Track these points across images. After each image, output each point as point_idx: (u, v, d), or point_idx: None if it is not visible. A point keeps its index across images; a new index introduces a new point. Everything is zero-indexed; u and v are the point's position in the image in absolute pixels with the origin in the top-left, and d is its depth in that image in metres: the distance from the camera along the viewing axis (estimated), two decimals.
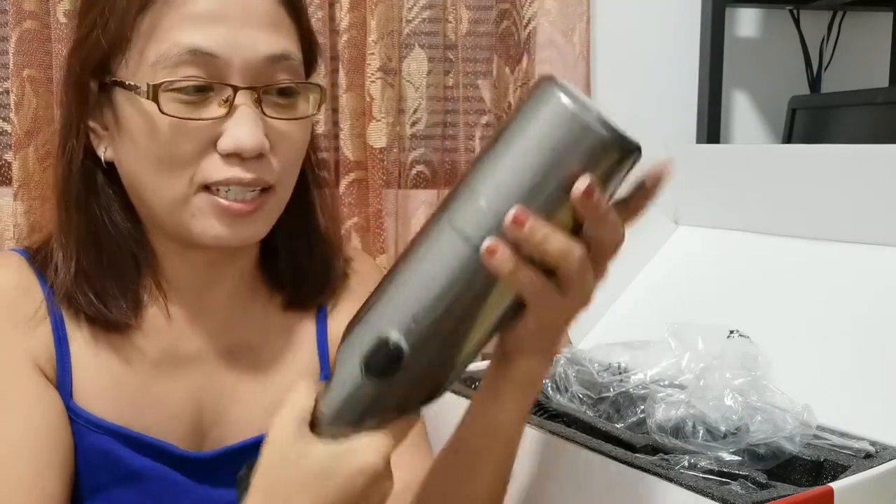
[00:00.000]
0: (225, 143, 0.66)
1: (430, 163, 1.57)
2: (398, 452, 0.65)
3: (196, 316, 0.75)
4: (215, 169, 0.66)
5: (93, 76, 0.69)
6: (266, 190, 0.69)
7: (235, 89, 0.66)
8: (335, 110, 1.51)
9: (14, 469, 0.66)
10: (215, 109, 0.66)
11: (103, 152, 0.71)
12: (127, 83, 0.67)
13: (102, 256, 0.71)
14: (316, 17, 1.48)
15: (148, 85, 0.66)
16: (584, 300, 0.56)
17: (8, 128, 1.44)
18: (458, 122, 1.56)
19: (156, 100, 0.65)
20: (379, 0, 1.46)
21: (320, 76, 1.46)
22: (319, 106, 0.72)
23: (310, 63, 0.74)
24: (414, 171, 1.56)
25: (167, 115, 0.65)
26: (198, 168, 0.66)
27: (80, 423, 0.70)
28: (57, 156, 0.73)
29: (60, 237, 0.72)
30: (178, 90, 0.65)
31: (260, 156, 0.67)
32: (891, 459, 0.69)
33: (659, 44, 1.66)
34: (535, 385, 0.62)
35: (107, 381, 0.71)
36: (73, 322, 0.71)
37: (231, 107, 0.66)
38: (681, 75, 1.65)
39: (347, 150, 1.50)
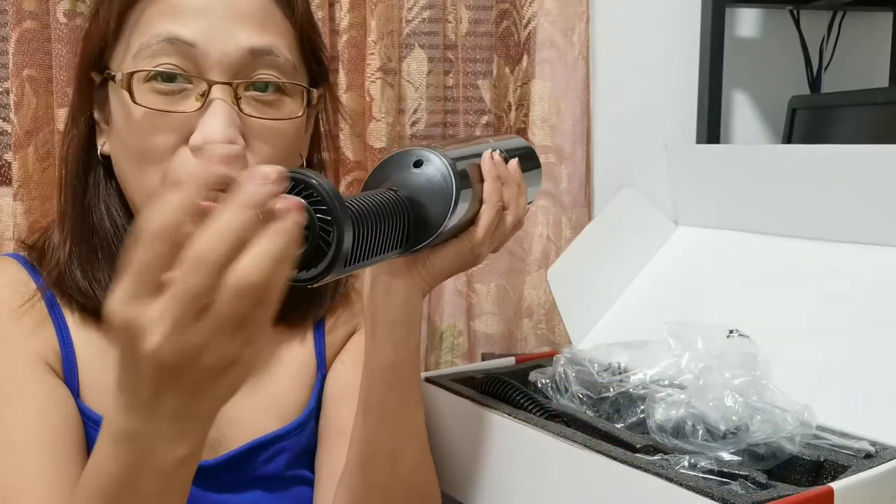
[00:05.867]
0: (195, 138, 0.65)
1: None
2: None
3: None
4: (184, 164, 0.65)
5: (94, 69, 0.70)
6: None
7: (210, 83, 0.65)
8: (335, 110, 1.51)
9: (34, 464, 0.66)
10: (191, 104, 0.65)
11: (101, 145, 0.72)
12: (111, 74, 0.68)
13: (95, 246, 0.72)
14: (316, 17, 1.48)
15: (123, 73, 0.66)
16: (489, 251, 0.71)
17: (8, 128, 1.44)
18: (458, 122, 1.56)
19: (129, 89, 0.65)
20: (379, 0, 1.46)
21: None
22: (307, 107, 0.71)
23: (310, 64, 0.73)
24: None
25: (140, 105, 0.65)
26: (170, 164, 0.66)
27: (87, 424, 0.71)
28: (63, 143, 0.74)
29: (59, 223, 0.73)
30: (154, 80, 0.65)
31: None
32: (891, 459, 0.69)
33: (659, 44, 1.66)
34: (412, 317, 0.67)
35: (109, 378, 0.71)
36: (73, 321, 0.72)
37: (206, 101, 0.65)
38: (681, 75, 1.65)
39: (347, 150, 1.50)
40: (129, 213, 0.73)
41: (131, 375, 0.46)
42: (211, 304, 0.43)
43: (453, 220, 0.65)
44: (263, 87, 0.68)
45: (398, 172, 0.66)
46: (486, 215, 0.69)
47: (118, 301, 0.43)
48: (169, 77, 0.65)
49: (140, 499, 0.50)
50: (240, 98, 0.66)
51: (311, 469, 0.80)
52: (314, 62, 0.74)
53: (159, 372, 0.44)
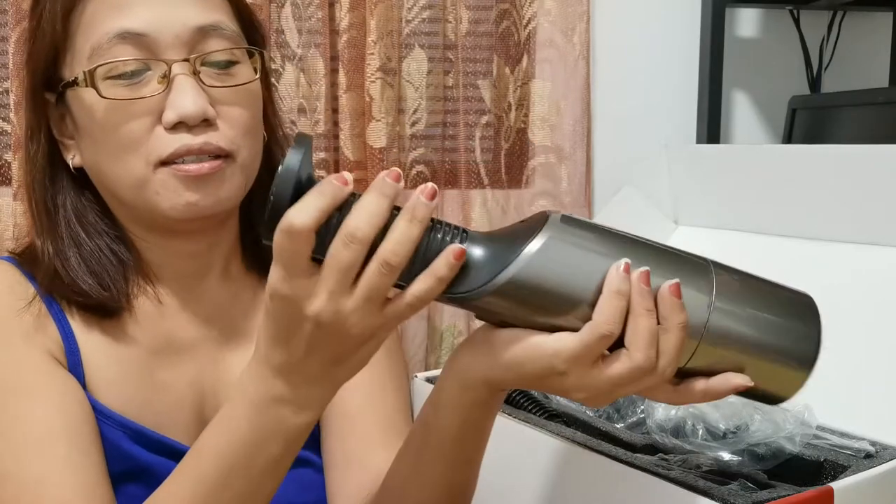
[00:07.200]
0: (168, 115, 0.67)
1: (430, 163, 1.57)
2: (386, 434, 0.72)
3: (187, 304, 0.76)
4: (164, 142, 0.67)
5: (46, 88, 0.72)
6: (223, 157, 0.69)
7: (169, 63, 0.68)
8: (335, 110, 1.51)
9: (60, 454, 0.66)
10: (154, 87, 0.68)
11: (71, 159, 0.73)
12: (69, 80, 0.69)
13: (81, 255, 0.72)
14: (316, 17, 1.48)
15: (84, 72, 0.68)
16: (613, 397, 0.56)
17: (8, 128, 1.44)
18: (458, 122, 1.56)
19: (93, 85, 0.67)
20: (379, 0, 1.46)
21: (308, 66, 1.46)
22: (262, 68, 0.73)
23: (251, 37, 0.75)
24: (414, 171, 1.56)
25: (107, 98, 0.67)
26: (149, 146, 0.68)
27: (95, 415, 0.71)
28: (24, 165, 0.75)
29: (39, 239, 0.73)
30: (117, 76, 0.67)
31: (206, 123, 0.68)
32: (891, 459, 0.69)
33: (659, 44, 1.66)
34: (476, 436, 0.62)
35: (113, 370, 0.73)
36: (71, 316, 0.73)
37: (169, 80, 0.67)
38: (681, 75, 1.65)
39: (347, 150, 1.50)
40: (112, 219, 0.74)
41: (289, 340, 0.53)
42: (359, 278, 0.51)
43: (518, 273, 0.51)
44: (217, 59, 0.70)
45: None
46: (581, 338, 0.52)
47: (279, 280, 0.51)
48: (136, 72, 0.68)
49: (262, 462, 0.57)
50: (198, 73, 0.69)
51: (313, 451, 0.80)
52: (253, 33, 0.76)
53: (314, 333, 0.52)
